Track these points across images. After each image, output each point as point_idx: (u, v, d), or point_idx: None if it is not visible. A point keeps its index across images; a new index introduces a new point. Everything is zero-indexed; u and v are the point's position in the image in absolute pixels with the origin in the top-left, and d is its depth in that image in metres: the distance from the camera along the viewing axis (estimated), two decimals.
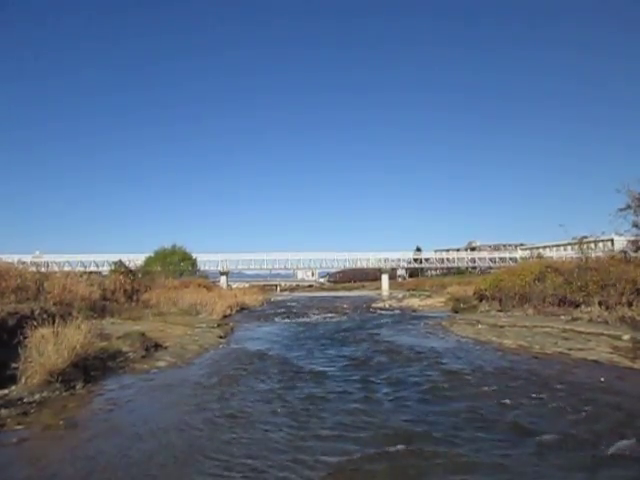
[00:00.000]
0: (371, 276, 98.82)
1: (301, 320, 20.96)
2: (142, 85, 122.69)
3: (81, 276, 16.71)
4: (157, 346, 10.54)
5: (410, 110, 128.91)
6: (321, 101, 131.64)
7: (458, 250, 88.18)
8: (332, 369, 8.64)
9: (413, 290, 53.16)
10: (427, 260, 75.68)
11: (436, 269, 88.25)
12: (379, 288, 69.24)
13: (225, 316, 21.08)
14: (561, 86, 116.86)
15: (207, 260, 63.90)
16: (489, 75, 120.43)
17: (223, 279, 63.01)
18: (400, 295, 42.54)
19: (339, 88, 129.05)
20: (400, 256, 75.20)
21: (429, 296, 34.36)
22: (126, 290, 19.35)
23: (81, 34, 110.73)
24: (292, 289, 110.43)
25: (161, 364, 9.19)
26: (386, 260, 72.77)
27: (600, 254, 16.96)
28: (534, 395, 6.46)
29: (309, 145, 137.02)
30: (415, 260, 75.65)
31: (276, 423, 5.41)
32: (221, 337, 13.67)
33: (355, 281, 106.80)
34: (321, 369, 8.63)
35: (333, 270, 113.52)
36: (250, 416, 5.68)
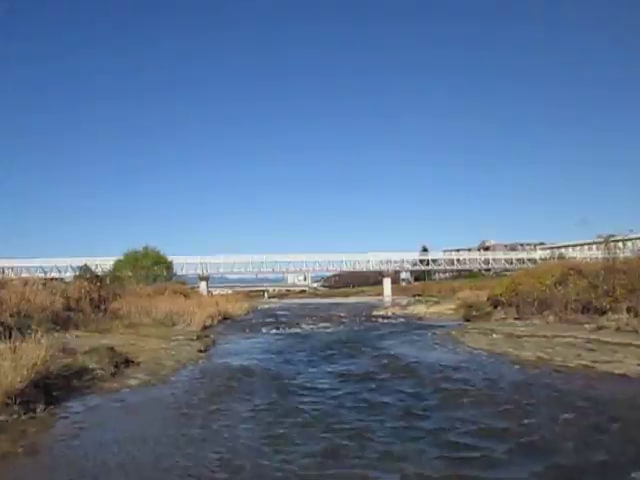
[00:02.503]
0: (371, 280, 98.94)
1: (292, 331, 21.02)
2: (118, 74, 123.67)
3: (43, 284, 16.64)
4: (128, 362, 10.54)
5: (419, 95, 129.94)
6: (319, 88, 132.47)
7: (470, 250, 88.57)
8: (329, 389, 8.60)
9: (419, 295, 53.32)
10: (435, 262, 76.05)
11: (445, 272, 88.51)
12: (381, 294, 69.48)
13: (205, 327, 21.11)
14: (580, 75, 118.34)
15: (184, 263, 63.85)
16: (506, 60, 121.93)
17: (203, 285, 62.96)
18: (404, 301, 42.63)
19: (340, 73, 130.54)
20: (404, 257, 75.50)
21: (437, 302, 34.52)
22: (92, 299, 19.28)
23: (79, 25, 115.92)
24: (282, 295, 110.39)
25: (133, 383, 9.19)
26: (388, 262, 73.03)
27: (629, 254, 17.13)
28: (555, 413, 6.53)
29: (301, 133, 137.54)
30: (421, 262, 76.01)
31: (267, 468, 4.93)
32: (201, 351, 13.71)
33: (353, 286, 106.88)
34: (315, 390, 8.59)
35: (328, 273, 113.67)
36: (235, 455, 5.31)
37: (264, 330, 21.59)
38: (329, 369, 10.84)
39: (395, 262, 74.60)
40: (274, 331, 21.17)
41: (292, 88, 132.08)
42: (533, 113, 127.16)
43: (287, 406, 7.38)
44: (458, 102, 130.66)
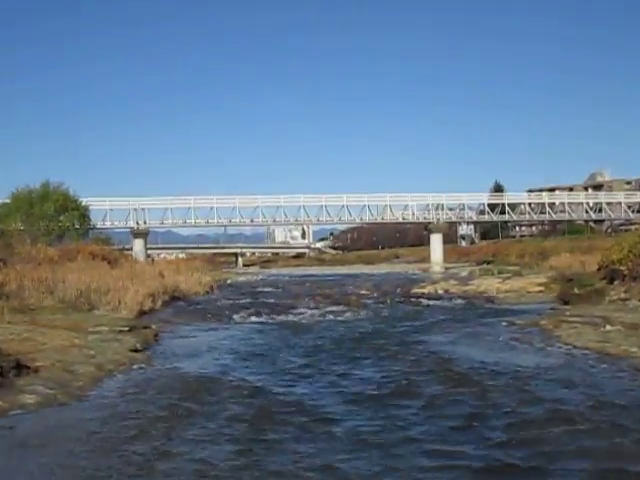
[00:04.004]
0: (412, 238, 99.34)
1: (283, 319, 21.20)
2: None
3: None
4: (20, 367, 10.56)
5: None
6: None
7: (571, 190, 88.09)
8: (344, 419, 8.41)
9: (488, 263, 53.40)
10: (514, 208, 75.64)
11: (530, 224, 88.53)
12: (426, 259, 69.67)
13: (143, 312, 21.30)
14: None
15: (108, 210, 63.82)
16: None
17: (139, 245, 63.16)
18: (464, 272, 42.73)
19: None
20: (465, 200, 74.53)
21: (517, 273, 34.59)
22: None
23: None
24: (265, 262, 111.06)
25: (28, 400, 9.24)
26: (439, 208, 72.12)
27: None
28: None
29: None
30: (492, 208, 75.48)
31: None
32: (136, 350, 13.80)
33: (382, 247, 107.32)
34: (324, 422, 8.31)
35: (342, 227, 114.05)
36: None
37: (237, 317, 21.77)
38: (344, 382, 10.85)
39: (450, 209, 73.83)
40: (253, 319, 21.32)
41: None
42: None
43: (277, 451, 7.13)
44: None
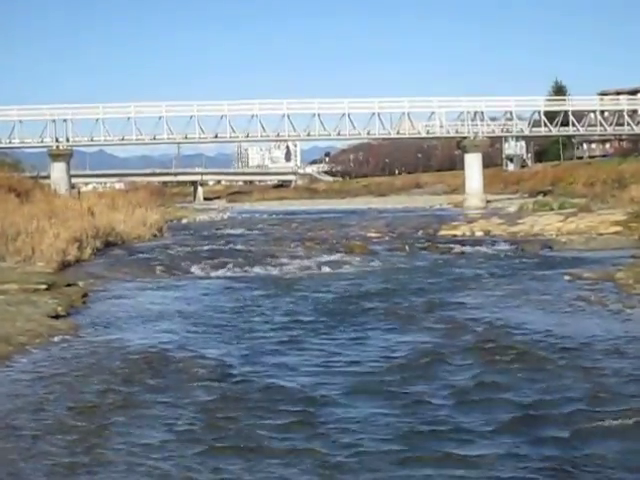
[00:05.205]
0: (439, 159, 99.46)
1: (259, 272, 21.57)
2: None
3: None
4: None
5: None
6: None
7: None
8: (348, 417, 8.28)
9: (545, 194, 53.45)
10: (581, 119, 75.07)
11: (603, 140, 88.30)
12: (459, 189, 69.71)
13: (66, 264, 21.41)
14: None
15: (17, 121, 63.31)
16: None
17: (59, 171, 62.82)
18: (512, 207, 42.76)
19: None
20: (514, 107, 73.59)
21: (585, 208, 34.59)
22: None
23: None
24: (235, 193, 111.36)
25: None
26: (478, 117, 71.29)
27: None
28: None
29: None
30: (550, 118, 74.91)
31: None
32: (57, 316, 13.88)
33: (398, 172, 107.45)
34: (310, 415, 8.33)
35: (342, 144, 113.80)
36: None
37: (196, 271, 22.05)
38: (345, 361, 10.88)
39: (493, 119, 73.20)
40: (219, 273, 21.60)
41: None
42: None
43: (250, 460, 6.94)
44: None
